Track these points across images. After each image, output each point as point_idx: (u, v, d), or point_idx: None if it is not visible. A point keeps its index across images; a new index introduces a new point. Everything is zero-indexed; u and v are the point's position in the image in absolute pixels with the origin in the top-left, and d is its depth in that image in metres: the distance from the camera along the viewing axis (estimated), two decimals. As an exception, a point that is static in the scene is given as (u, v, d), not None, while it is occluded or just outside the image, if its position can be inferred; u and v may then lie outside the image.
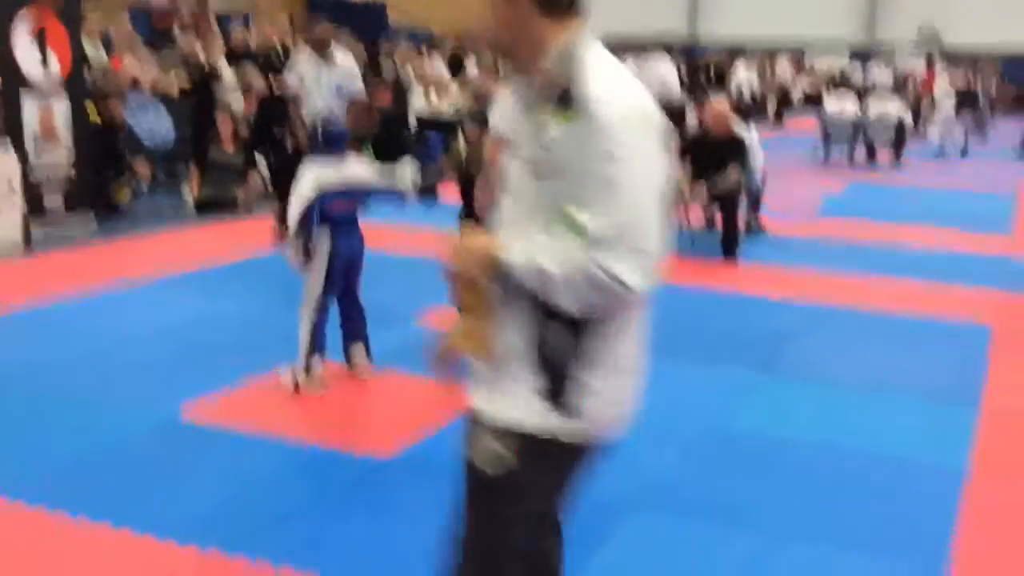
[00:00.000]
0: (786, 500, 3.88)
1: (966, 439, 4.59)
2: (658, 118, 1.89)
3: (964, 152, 17.81)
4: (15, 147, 8.18)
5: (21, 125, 8.42)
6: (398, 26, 22.37)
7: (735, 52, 25.73)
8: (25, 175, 8.27)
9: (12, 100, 8.38)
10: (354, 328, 5.16)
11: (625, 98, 1.80)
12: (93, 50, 11.55)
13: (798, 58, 29.53)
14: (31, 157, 8.46)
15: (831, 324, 6.51)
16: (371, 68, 15.50)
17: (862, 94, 17.96)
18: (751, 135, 9.10)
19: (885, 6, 34.80)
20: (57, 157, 8.74)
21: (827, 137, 16.14)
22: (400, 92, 14.78)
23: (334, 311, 5.08)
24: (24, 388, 4.87)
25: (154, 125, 11.16)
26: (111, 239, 8.54)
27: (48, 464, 3.99)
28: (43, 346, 5.58)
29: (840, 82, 28.02)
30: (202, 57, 12.03)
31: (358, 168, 4.99)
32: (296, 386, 4.85)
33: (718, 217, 8.79)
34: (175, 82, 11.89)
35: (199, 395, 4.77)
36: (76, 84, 8.93)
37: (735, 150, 8.46)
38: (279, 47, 13.45)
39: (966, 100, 19.38)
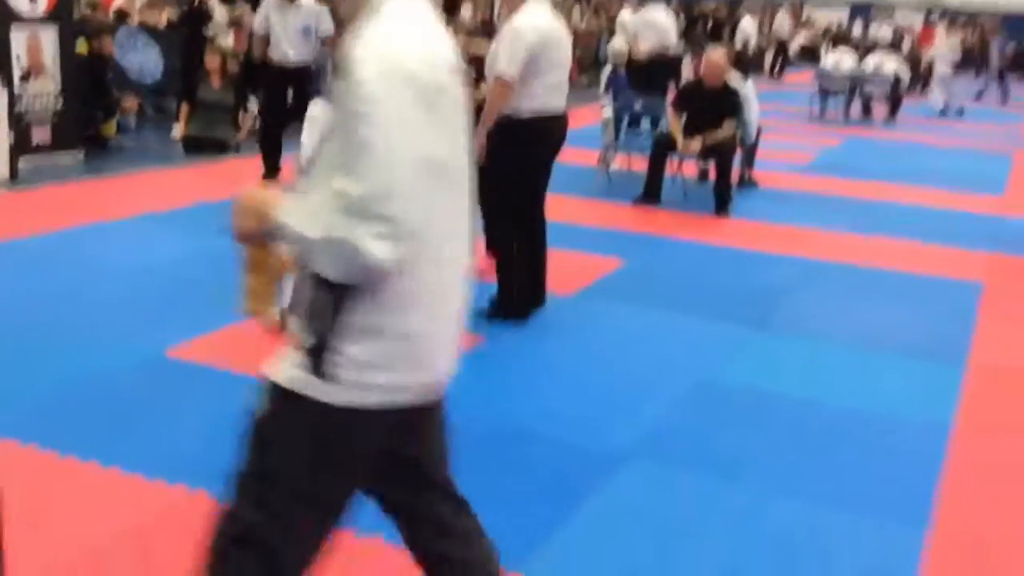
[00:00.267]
0: (774, 454, 3.89)
1: (953, 395, 4.61)
2: (445, 83, 1.78)
3: (961, 112, 17.71)
4: (2, 80, 8.05)
5: (9, 57, 8.27)
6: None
7: (735, 2, 25.44)
8: (12, 108, 8.15)
9: (0, 32, 8.23)
10: None
11: (392, 58, 1.69)
12: (82, -18, 11.35)
13: (796, 11, 29.23)
14: (17, 90, 8.33)
15: (823, 279, 6.50)
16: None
17: (860, 50, 17.82)
18: (747, 87, 9.02)
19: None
20: (44, 90, 8.61)
21: (823, 91, 16.04)
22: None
23: None
24: (8, 321, 4.83)
25: (143, 60, 10.99)
26: (98, 175, 8.45)
27: (34, 400, 3.97)
28: (27, 279, 5.52)
29: (838, 36, 27.81)
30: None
31: None
32: (283, 326, 4.79)
33: (711, 170, 8.75)
34: (164, 14, 11.71)
35: (185, 333, 4.73)
36: (64, 16, 8.76)
37: (730, 102, 8.38)
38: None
39: (969, 59, 19.27)
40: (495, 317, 5.17)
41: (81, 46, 9.30)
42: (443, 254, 1.84)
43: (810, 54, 26.41)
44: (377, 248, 1.65)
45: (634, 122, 10.48)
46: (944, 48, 18.31)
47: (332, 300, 1.78)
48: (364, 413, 1.84)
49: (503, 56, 4.92)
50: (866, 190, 9.79)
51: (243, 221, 1.84)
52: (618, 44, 10.40)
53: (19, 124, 8.28)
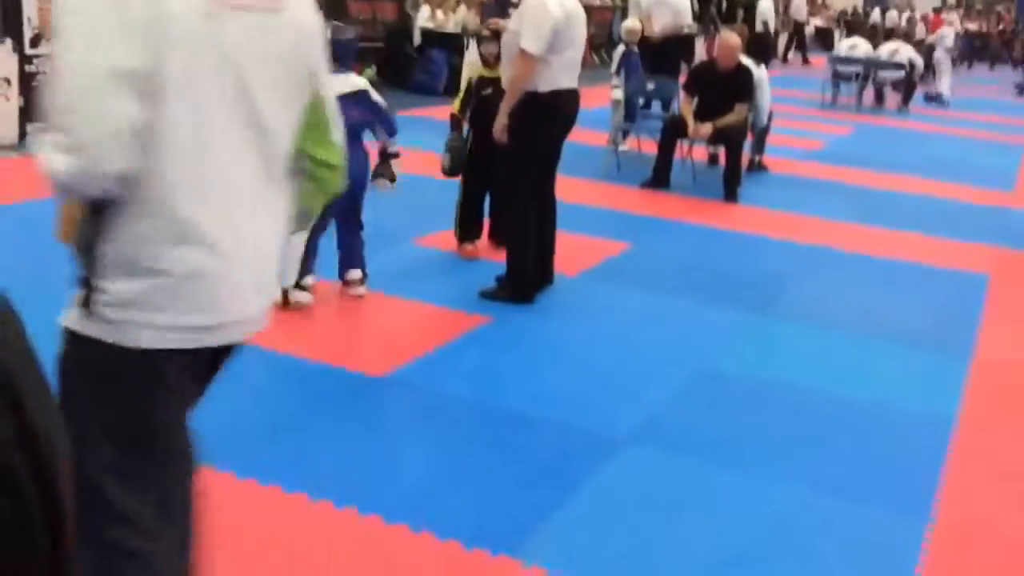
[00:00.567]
0: (775, 441, 3.89)
1: (957, 387, 4.60)
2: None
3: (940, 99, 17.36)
4: (13, 43, 8.02)
5: (20, 19, 8.24)
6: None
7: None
8: (23, 71, 8.12)
9: (11, -6, 8.21)
10: (351, 252, 5.07)
11: None
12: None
13: (812, -6, 29.01)
14: (28, 53, 8.31)
15: (829, 267, 6.49)
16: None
17: (875, 36, 17.69)
18: (760, 71, 8.97)
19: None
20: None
21: (836, 77, 15.95)
22: (402, 6, 14.54)
23: (331, 230, 5.01)
24: (8, 282, 4.83)
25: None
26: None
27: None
28: (32, 242, 5.51)
29: (852, 23, 27.62)
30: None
31: (372, 91, 4.91)
32: (285, 299, 4.80)
33: (721, 154, 8.72)
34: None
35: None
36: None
37: (743, 85, 8.33)
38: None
39: (984, 49, 19.07)
40: (500, 298, 5.17)
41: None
42: (210, 188, 1.78)
43: (824, 37, 26.23)
44: (55, 160, 1.64)
45: (646, 104, 10.43)
46: (943, 34, 18.13)
47: (90, 232, 1.77)
48: (142, 352, 1.80)
49: (529, 31, 4.89)
50: (876, 179, 9.75)
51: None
52: (631, 23, 10.33)
53: (29, 88, 8.26)
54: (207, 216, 1.78)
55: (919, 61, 15.90)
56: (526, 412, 3.94)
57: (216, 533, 3.01)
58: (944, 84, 17.29)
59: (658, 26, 10.46)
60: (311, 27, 1.97)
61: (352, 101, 4.72)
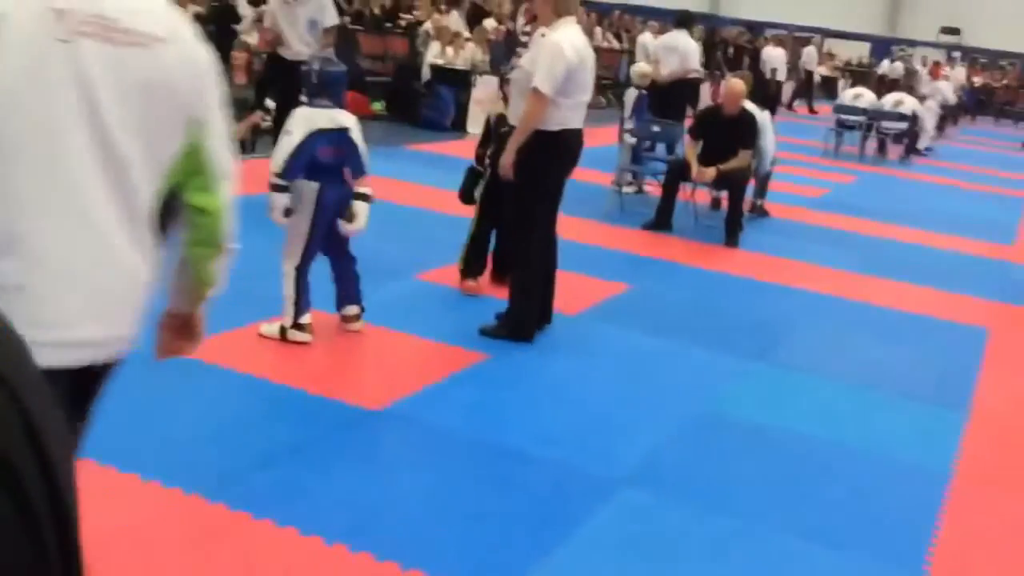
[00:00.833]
0: (770, 488, 3.88)
1: (954, 441, 4.60)
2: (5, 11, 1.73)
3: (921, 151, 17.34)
4: None
5: None
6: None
7: (757, 31, 25.49)
8: None
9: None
10: (346, 287, 4.98)
11: None
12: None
13: (818, 44, 29.27)
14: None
15: (829, 315, 6.50)
16: (392, 18, 15.38)
17: (879, 87, 17.82)
18: (764, 116, 9.04)
19: (907, 6, 34.57)
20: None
21: (840, 125, 16.06)
22: (412, 42, 14.68)
23: (323, 264, 4.99)
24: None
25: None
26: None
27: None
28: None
29: (857, 72, 27.85)
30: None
31: (355, 130, 4.80)
32: (283, 334, 4.80)
33: (724, 199, 8.76)
34: (191, 8, 11.77)
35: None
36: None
37: (747, 130, 8.39)
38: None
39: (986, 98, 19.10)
40: (500, 335, 5.17)
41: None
42: (38, 200, 1.78)
43: (829, 86, 26.44)
44: None
45: (650, 147, 10.51)
46: (935, 87, 18.13)
47: None
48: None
49: (543, 71, 4.93)
50: (877, 229, 9.78)
51: None
52: (643, 67, 10.42)
53: None
54: (30, 230, 1.77)
55: (923, 112, 16.01)
56: (523, 450, 3.93)
57: (206, 568, 3.00)
58: (926, 138, 17.31)
59: (665, 70, 10.55)
60: (193, 71, 1.93)
61: (329, 138, 4.69)
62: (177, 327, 2.27)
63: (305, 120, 4.67)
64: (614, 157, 9.75)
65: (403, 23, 15.39)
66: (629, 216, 8.78)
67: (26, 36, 1.74)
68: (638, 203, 9.30)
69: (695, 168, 8.32)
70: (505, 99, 5.95)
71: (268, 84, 10.10)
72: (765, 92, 16.21)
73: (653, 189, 9.55)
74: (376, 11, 15.05)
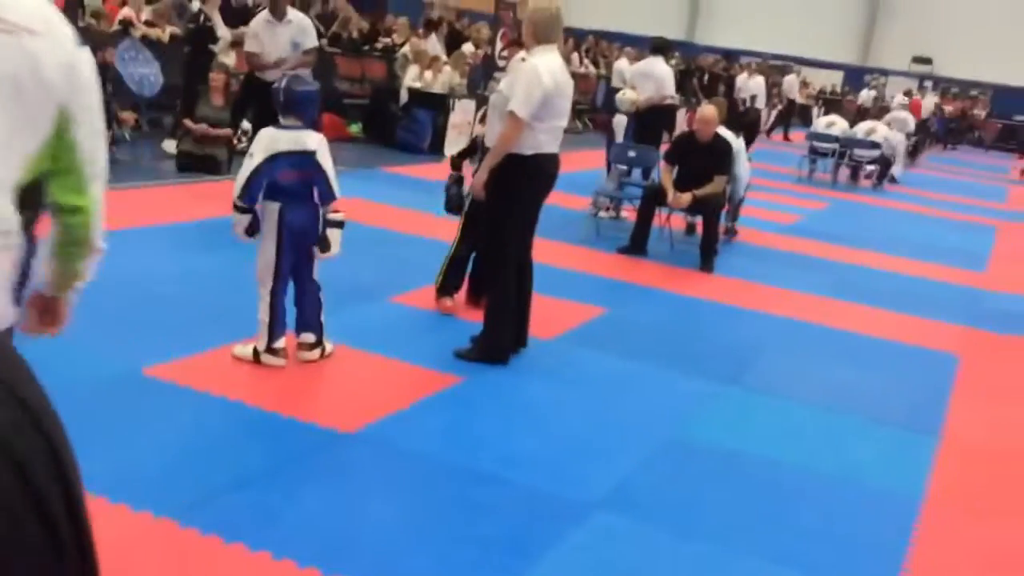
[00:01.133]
0: (741, 513, 3.90)
1: (924, 467, 4.63)
2: None
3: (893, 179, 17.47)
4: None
5: None
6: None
7: (732, 58, 25.73)
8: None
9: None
10: (304, 313, 4.88)
11: None
12: (88, -8, 11.40)
13: (798, 72, 29.60)
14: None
15: (801, 340, 6.55)
16: (369, 41, 15.43)
17: (858, 117, 18.02)
18: (739, 143, 9.12)
19: (880, 36, 35.08)
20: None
21: (813, 152, 16.24)
22: (390, 65, 14.72)
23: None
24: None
25: (144, 73, 11.02)
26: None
27: None
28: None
29: (831, 99, 28.15)
30: (197, 5, 11.90)
31: (322, 152, 4.70)
32: (256, 357, 4.77)
33: (699, 224, 8.83)
34: (167, 29, 11.77)
35: (163, 352, 4.71)
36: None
37: (721, 156, 8.46)
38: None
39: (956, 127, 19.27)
40: (474, 358, 5.17)
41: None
42: None
43: (803, 114, 26.72)
44: None
45: (626, 171, 10.58)
46: (900, 117, 18.25)
47: None
48: None
49: (519, 95, 4.97)
50: (849, 255, 9.88)
51: None
52: (631, 94, 10.47)
53: None
54: None
55: (894, 140, 16.20)
56: (496, 474, 3.93)
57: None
58: (898, 167, 17.46)
59: (642, 96, 10.64)
60: (66, 66, 1.91)
61: (291, 161, 4.63)
62: (42, 309, 2.26)
63: (268, 142, 4.64)
64: (591, 182, 9.80)
65: (380, 46, 15.43)
66: (605, 241, 8.83)
67: None
68: (614, 228, 9.35)
69: (671, 193, 8.37)
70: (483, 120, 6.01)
71: (244, 105, 10.11)
72: (739, 119, 16.35)
73: (629, 214, 9.61)
74: (354, 34, 15.08)
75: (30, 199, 1.97)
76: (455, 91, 13.89)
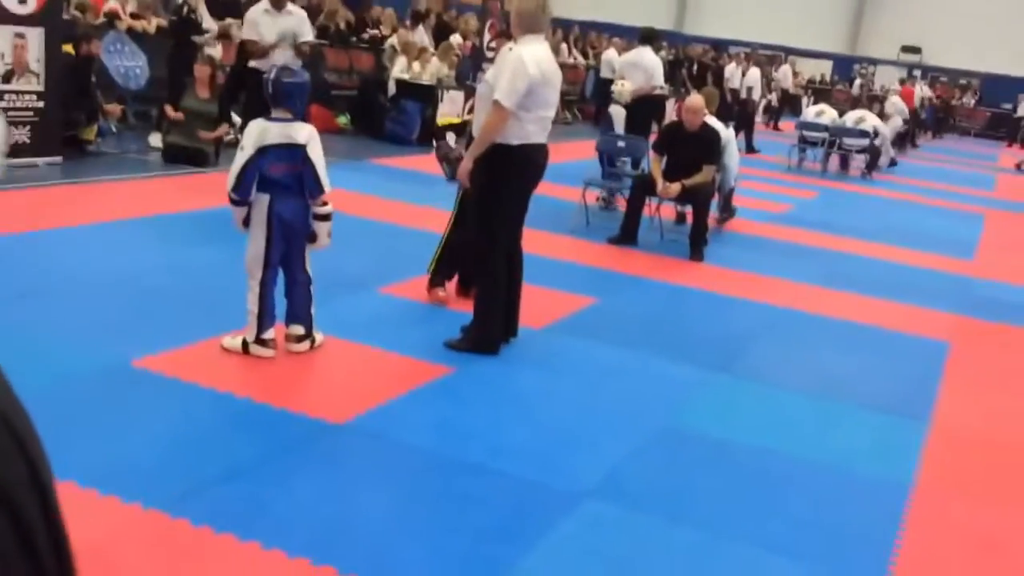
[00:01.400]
0: (732, 500, 3.90)
1: (914, 454, 4.64)
2: None
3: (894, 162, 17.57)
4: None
5: (-8, 54, 8.23)
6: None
7: (720, 48, 25.71)
8: (-8, 106, 8.09)
9: (-15, 28, 8.20)
10: (294, 305, 4.87)
11: None
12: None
13: (792, 63, 29.60)
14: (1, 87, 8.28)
15: (792, 328, 6.55)
16: (356, 33, 15.36)
17: (857, 105, 17.99)
18: (728, 133, 9.11)
19: (868, 25, 35.11)
20: (27, 91, 8.56)
21: (803, 142, 16.25)
22: (378, 57, 14.67)
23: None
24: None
25: (129, 65, 10.97)
26: (76, 179, 8.40)
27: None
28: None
29: (820, 89, 28.15)
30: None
31: (313, 145, 4.68)
32: (245, 348, 4.76)
33: (689, 213, 8.82)
34: (153, 21, 11.70)
35: (152, 344, 4.69)
36: (52, 17, 8.73)
37: (710, 146, 8.45)
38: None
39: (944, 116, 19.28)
40: (464, 349, 5.16)
41: (67, 47, 9.26)
42: None
43: (793, 103, 26.73)
44: None
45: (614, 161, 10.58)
46: (898, 106, 18.29)
47: None
48: None
49: (505, 84, 4.94)
50: (839, 243, 9.89)
51: None
52: (627, 84, 10.44)
53: (-1, 122, 8.22)
54: None
55: (884, 130, 16.22)
56: (486, 464, 3.92)
57: (165, 580, 2.96)
58: (885, 157, 17.51)
59: (630, 87, 10.62)
60: None
61: (279, 154, 4.62)
62: None
63: (257, 135, 4.62)
64: (581, 172, 9.78)
65: (367, 37, 15.36)
66: (595, 231, 8.82)
67: None
68: (604, 218, 9.34)
69: (660, 183, 8.36)
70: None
71: (234, 96, 10.06)
72: (730, 110, 16.35)
73: (620, 204, 9.61)
74: (342, 26, 15.02)
75: None
76: (443, 83, 13.85)
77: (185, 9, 11.13)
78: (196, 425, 4.01)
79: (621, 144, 9.82)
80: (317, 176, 4.69)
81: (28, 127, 8.57)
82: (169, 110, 9.84)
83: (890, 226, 11.39)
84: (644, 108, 10.71)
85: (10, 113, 8.43)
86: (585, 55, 21.97)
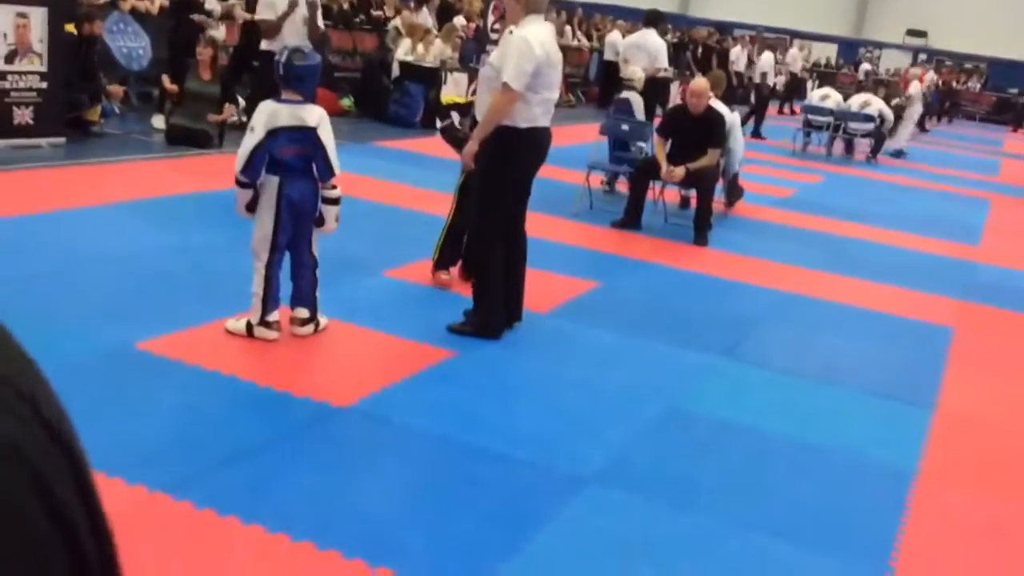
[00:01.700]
0: (736, 485, 3.89)
1: (918, 439, 4.63)
2: None
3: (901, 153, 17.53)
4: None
5: (-5, 35, 8.19)
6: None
7: (725, 30, 25.61)
8: (-5, 86, 8.07)
9: (-13, 8, 8.16)
10: (299, 288, 4.86)
11: None
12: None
13: (786, 45, 29.46)
14: (1, 69, 8.25)
15: (796, 313, 6.54)
16: (359, 13, 15.30)
17: (867, 88, 17.90)
18: (733, 117, 9.07)
19: (874, 8, 34.93)
20: (30, 71, 8.53)
21: (807, 126, 16.19)
22: (382, 39, 14.61)
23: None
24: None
25: (132, 46, 10.93)
26: (79, 160, 8.38)
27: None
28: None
29: (825, 72, 28.02)
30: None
31: (323, 127, 4.66)
32: (249, 330, 4.75)
33: (693, 197, 8.80)
34: (156, 1, 11.65)
35: (156, 327, 4.69)
36: (56, -3, 8.70)
37: (714, 129, 8.41)
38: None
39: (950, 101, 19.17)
40: (466, 332, 5.15)
41: (69, 27, 9.22)
42: None
43: (798, 87, 26.62)
44: None
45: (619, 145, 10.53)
46: (919, 92, 18.20)
47: None
48: None
49: (512, 67, 4.92)
50: (843, 228, 9.86)
51: None
52: (637, 70, 10.29)
53: (1, 104, 8.19)
54: None
55: (889, 114, 16.16)
56: (490, 448, 3.92)
57: (170, 566, 2.96)
58: (903, 139, 17.46)
59: (641, 72, 10.57)
60: None
61: (290, 136, 4.60)
62: None
63: (267, 117, 4.60)
64: (585, 155, 9.74)
65: (371, 17, 15.29)
66: (599, 215, 8.79)
67: None
68: (608, 201, 9.31)
69: (664, 167, 8.33)
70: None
71: (238, 77, 10.03)
72: (734, 93, 16.28)
73: (623, 188, 9.59)
74: (345, 6, 14.96)
75: None
76: (447, 64, 13.79)
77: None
78: (199, 408, 4.01)
79: (626, 127, 9.77)
80: (328, 159, 4.68)
81: (31, 108, 8.54)
82: (166, 80, 9.80)
83: (894, 211, 11.36)
84: (648, 91, 10.66)
85: (13, 94, 8.41)
86: (589, 37, 21.88)
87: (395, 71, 13.63)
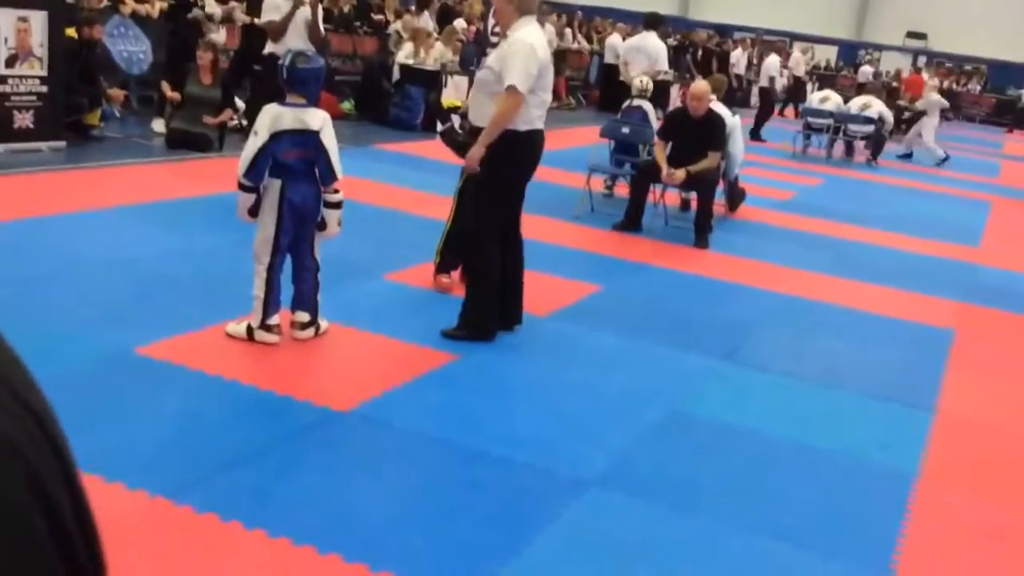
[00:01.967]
0: (737, 488, 3.89)
1: (919, 442, 4.63)
2: None
3: (943, 161, 17.54)
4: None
5: (-5, 39, 8.20)
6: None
7: (725, 33, 25.63)
8: (-5, 90, 8.07)
9: (-12, 12, 8.16)
10: (300, 292, 4.85)
11: None
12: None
13: (786, 47, 29.46)
14: (2, 73, 8.25)
15: (797, 316, 6.54)
16: (360, 17, 15.31)
17: (869, 91, 17.87)
18: (734, 120, 9.07)
19: (874, 11, 34.96)
20: (30, 75, 8.53)
21: (807, 128, 16.19)
22: (383, 42, 14.63)
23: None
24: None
25: (132, 50, 10.94)
26: (79, 164, 8.38)
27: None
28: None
29: (825, 75, 28.03)
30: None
31: (326, 131, 4.66)
32: (250, 334, 4.75)
33: (693, 200, 8.80)
34: (156, 5, 11.66)
35: (156, 331, 4.69)
36: (56, 1, 8.69)
37: (714, 132, 8.41)
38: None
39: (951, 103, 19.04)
40: (459, 336, 5.13)
41: (69, 31, 9.24)
42: None
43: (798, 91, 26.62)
44: None
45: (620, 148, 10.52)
46: (935, 99, 18.03)
47: None
48: None
49: (517, 70, 4.92)
50: (844, 231, 9.86)
51: None
52: (645, 79, 10.17)
53: (1, 108, 8.20)
54: None
55: (889, 116, 16.16)
56: (491, 451, 3.92)
57: (172, 571, 2.96)
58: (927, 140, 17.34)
59: (634, 71, 10.58)
60: None
61: (293, 140, 4.59)
62: None
63: (270, 120, 4.60)
64: (586, 158, 9.74)
65: (372, 22, 15.30)
66: (599, 217, 8.80)
67: None
68: (608, 204, 9.31)
69: (665, 169, 8.33)
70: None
71: (239, 81, 10.03)
72: (734, 95, 16.29)
73: (622, 191, 9.59)
74: (346, 10, 14.96)
75: None
76: (447, 68, 13.80)
77: (189, -7, 11.12)
78: (201, 412, 4.01)
79: (625, 130, 9.77)
80: (330, 163, 4.68)
81: (31, 112, 8.54)
82: (166, 87, 9.81)
83: (894, 213, 11.36)
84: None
85: (13, 98, 8.41)
86: (589, 40, 21.89)
87: (396, 74, 13.64)
